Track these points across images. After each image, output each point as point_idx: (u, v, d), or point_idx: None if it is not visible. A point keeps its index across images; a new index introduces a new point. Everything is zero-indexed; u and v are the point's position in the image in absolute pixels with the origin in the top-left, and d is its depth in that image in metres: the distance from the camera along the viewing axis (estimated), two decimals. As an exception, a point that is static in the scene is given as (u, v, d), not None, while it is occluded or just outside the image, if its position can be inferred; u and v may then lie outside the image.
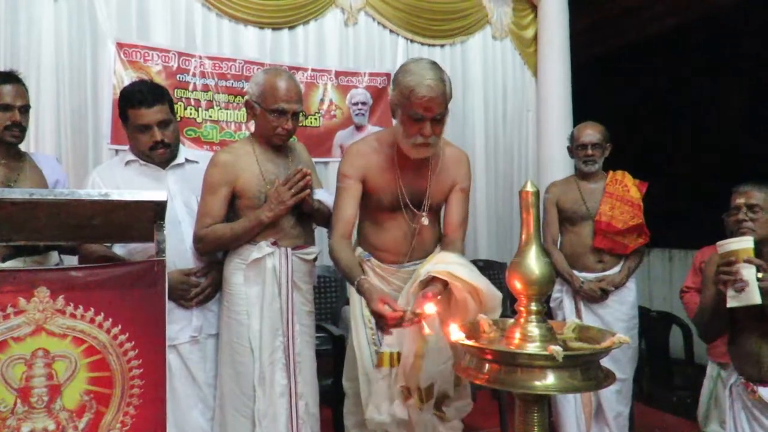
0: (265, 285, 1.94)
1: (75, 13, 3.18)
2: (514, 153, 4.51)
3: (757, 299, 1.72)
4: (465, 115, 4.28)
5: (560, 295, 2.71)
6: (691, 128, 4.72)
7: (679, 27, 4.73)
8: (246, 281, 1.95)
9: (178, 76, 3.39)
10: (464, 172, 1.99)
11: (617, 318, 2.62)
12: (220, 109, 3.53)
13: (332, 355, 2.84)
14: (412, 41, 4.11)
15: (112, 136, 3.20)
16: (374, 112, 3.96)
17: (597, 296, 2.65)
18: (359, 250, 2.02)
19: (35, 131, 3.01)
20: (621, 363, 2.56)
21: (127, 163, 2.06)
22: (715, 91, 4.49)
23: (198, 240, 1.98)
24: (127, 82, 3.04)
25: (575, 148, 2.76)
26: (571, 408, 2.61)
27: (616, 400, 2.61)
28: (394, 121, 4.10)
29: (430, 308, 1.57)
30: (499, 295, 1.65)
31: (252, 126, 3.26)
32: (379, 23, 4.00)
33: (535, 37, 4.46)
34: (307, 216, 2.07)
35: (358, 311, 1.94)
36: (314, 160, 3.58)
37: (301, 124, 2.09)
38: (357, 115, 3.90)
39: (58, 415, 1.25)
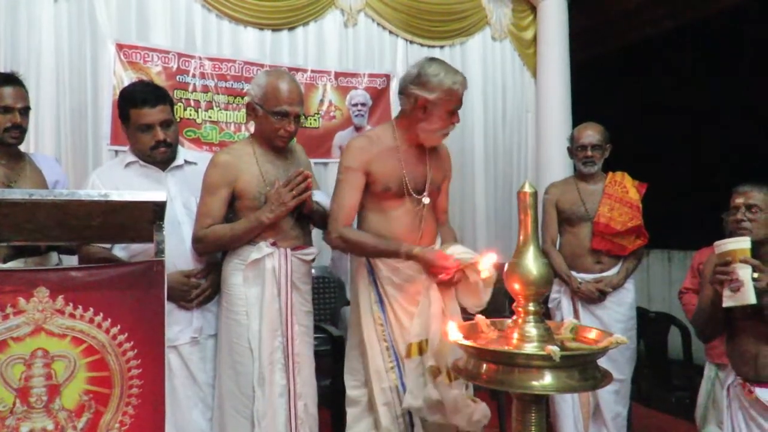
0: (265, 285, 1.94)
1: (75, 13, 3.18)
2: (514, 154, 4.52)
3: (752, 299, 1.73)
4: (464, 115, 4.27)
5: (558, 295, 2.71)
6: (690, 129, 4.73)
7: (678, 29, 4.74)
8: (245, 282, 1.95)
9: (177, 77, 3.40)
10: (450, 163, 2.25)
11: (615, 319, 2.62)
12: (220, 110, 3.54)
13: (331, 355, 2.84)
14: (411, 42, 4.11)
15: (112, 136, 3.21)
16: (374, 113, 3.97)
17: (595, 297, 2.65)
18: None
19: (35, 132, 3.01)
20: (619, 363, 2.56)
21: (127, 165, 2.06)
22: (714, 92, 4.50)
23: (197, 240, 1.98)
24: (126, 83, 3.04)
25: (575, 149, 2.76)
26: (569, 408, 2.61)
27: (614, 400, 2.61)
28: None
29: (490, 258, 1.83)
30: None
31: (251, 127, 3.28)
32: (378, 24, 4.01)
33: (535, 39, 4.46)
34: (305, 217, 2.08)
35: (367, 309, 1.98)
36: (314, 161, 3.61)
37: (300, 125, 2.10)
38: (356, 116, 3.91)
39: (57, 415, 1.25)
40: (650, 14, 4.86)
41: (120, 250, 2.03)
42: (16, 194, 1.27)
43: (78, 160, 3.18)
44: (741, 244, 1.78)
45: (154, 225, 1.38)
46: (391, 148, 2.02)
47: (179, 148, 2.16)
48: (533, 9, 4.45)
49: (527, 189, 1.28)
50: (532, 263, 1.24)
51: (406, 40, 4.09)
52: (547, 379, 1.13)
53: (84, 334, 1.28)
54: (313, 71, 3.78)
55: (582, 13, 4.57)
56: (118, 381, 1.31)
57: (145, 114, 1.96)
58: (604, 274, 2.69)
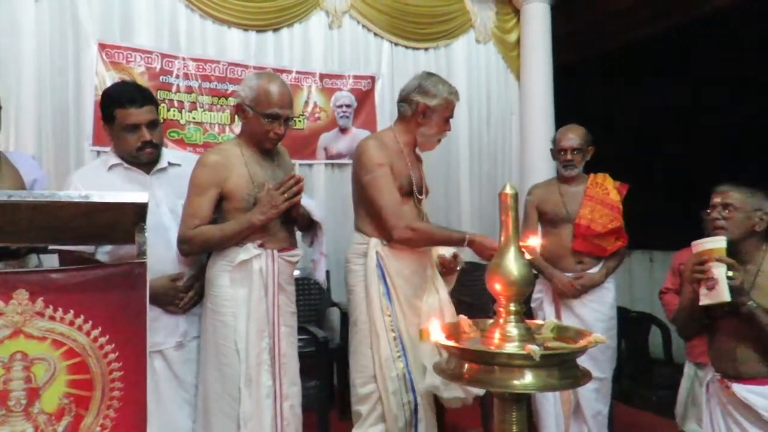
0: (252, 287, 1.94)
1: (57, 13, 3.15)
2: (498, 155, 4.56)
3: (726, 297, 1.76)
4: (449, 117, 4.31)
5: (541, 295, 2.73)
6: (672, 131, 4.80)
7: (661, 32, 4.81)
8: (232, 283, 1.95)
9: (161, 77, 3.38)
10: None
11: (596, 318, 2.65)
12: (204, 110, 3.52)
13: (315, 356, 2.84)
14: (396, 44, 4.13)
15: (95, 137, 3.18)
16: (359, 114, 3.98)
17: (569, 291, 2.66)
18: (374, 240, 2.17)
19: (15, 132, 2.98)
20: (600, 362, 2.58)
21: (111, 167, 2.02)
22: (696, 95, 4.57)
23: (184, 241, 1.96)
24: (109, 84, 3.02)
25: (556, 151, 2.78)
26: (551, 407, 2.63)
27: (594, 398, 2.64)
28: (378, 125, 4.14)
29: (534, 240, 1.96)
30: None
31: (236, 128, 3.27)
32: (363, 26, 4.02)
33: (518, 42, 4.51)
34: (291, 219, 2.08)
35: (376, 301, 2.12)
36: (299, 162, 3.63)
37: (289, 128, 2.10)
38: (341, 117, 3.91)
39: (37, 419, 1.24)
40: (632, 18, 4.92)
41: (103, 255, 2.01)
42: (-5, 195, 1.25)
43: (60, 160, 3.15)
44: (717, 243, 1.82)
45: (136, 227, 1.37)
46: (398, 150, 2.24)
47: (162, 149, 2.15)
48: (517, 12, 4.50)
49: (508, 190, 1.30)
50: (513, 264, 1.25)
51: (391, 42, 4.11)
52: (528, 378, 1.15)
53: (64, 336, 1.26)
54: (298, 72, 3.78)
55: (565, 16, 4.63)
56: (99, 384, 1.29)
57: (132, 114, 1.94)
58: (586, 273, 2.71)
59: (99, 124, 3.10)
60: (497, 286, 1.27)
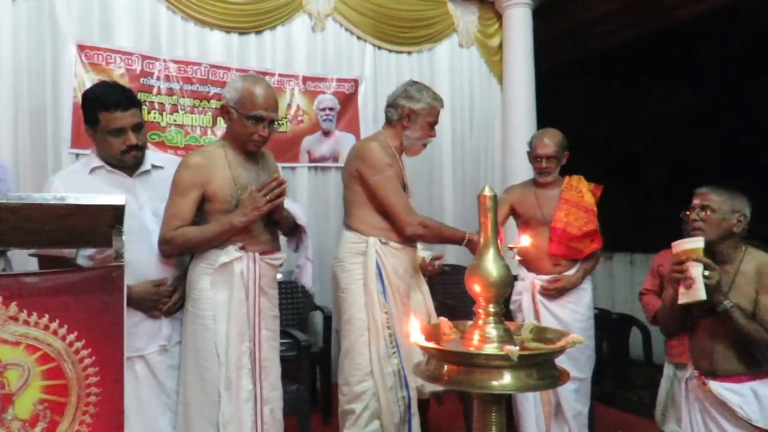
0: (233, 290, 1.93)
1: (34, 13, 3.11)
2: (481, 159, 4.58)
3: (702, 296, 1.80)
4: (432, 121, 4.33)
5: (519, 297, 2.75)
6: (652, 135, 4.88)
7: (639, 38, 4.89)
8: (213, 286, 1.93)
9: (141, 79, 3.34)
10: None
11: (575, 319, 2.67)
12: (186, 113, 3.49)
13: (298, 361, 2.83)
14: (379, 48, 4.14)
15: (73, 140, 3.14)
16: (342, 117, 3.98)
17: (551, 291, 2.68)
18: (372, 239, 2.25)
19: (-9, 135, 2.93)
20: (579, 362, 2.61)
21: (92, 170, 1.98)
22: (675, 99, 4.64)
23: (165, 242, 1.94)
24: (88, 85, 2.97)
25: (531, 157, 2.79)
26: (531, 407, 2.65)
27: (574, 399, 2.66)
28: (361, 128, 4.14)
29: (525, 240, 2.11)
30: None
31: (218, 131, 3.25)
32: (346, 29, 4.02)
33: (501, 46, 4.54)
34: (274, 222, 2.07)
35: (374, 298, 2.20)
36: (282, 165, 3.60)
37: (273, 131, 2.10)
38: (324, 120, 3.91)
39: (10, 425, 1.21)
40: (612, 24, 4.99)
41: (84, 259, 1.98)
42: (-33, 198, 1.23)
43: (37, 164, 3.10)
44: (695, 243, 1.86)
45: (113, 229, 1.35)
46: (394, 154, 2.36)
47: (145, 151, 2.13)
48: (499, 17, 4.54)
49: (487, 192, 1.31)
50: (492, 265, 1.26)
51: (374, 45, 4.12)
52: (507, 378, 1.15)
53: (39, 341, 1.24)
54: (280, 75, 3.77)
55: (546, 21, 4.68)
56: (74, 389, 1.27)
57: (118, 118, 1.90)
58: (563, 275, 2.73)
59: (78, 126, 3.08)
60: (476, 287, 1.28)
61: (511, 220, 2.91)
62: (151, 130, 3.36)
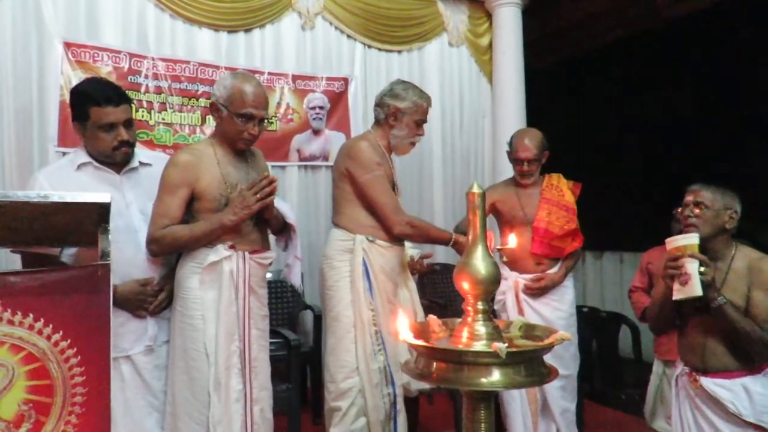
0: (222, 289, 1.91)
1: (19, 11, 3.07)
2: (471, 158, 4.59)
3: (698, 292, 1.81)
4: (422, 120, 4.33)
5: (503, 296, 2.75)
6: (640, 135, 4.90)
7: (628, 38, 4.91)
8: (201, 285, 1.92)
9: (129, 77, 3.32)
10: None
11: (558, 316, 2.67)
12: (174, 111, 3.47)
13: (287, 360, 2.82)
14: (369, 47, 4.13)
15: (60, 138, 3.11)
16: (332, 116, 3.97)
17: (535, 288, 2.69)
18: (359, 237, 2.27)
19: (-24, 134, 2.90)
20: (564, 360, 2.62)
21: (79, 166, 1.95)
22: (663, 98, 4.67)
23: (153, 241, 1.91)
24: (75, 83, 2.94)
25: (512, 159, 2.79)
26: (518, 406, 2.65)
27: (561, 396, 2.67)
28: (351, 127, 4.13)
29: (512, 241, 2.27)
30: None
31: (207, 129, 3.23)
32: (336, 28, 4.01)
33: (491, 45, 4.55)
34: (263, 221, 2.06)
35: (361, 296, 2.22)
36: (271, 164, 3.60)
37: (263, 129, 2.09)
38: (314, 119, 3.90)
39: (-6, 426, 1.20)
40: (602, 24, 5.02)
41: (68, 257, 1.95)
42: (-53, 196, 1.21)
43: (23, 163, 3.07)
44: (690, 240, 1.87)
45: (99, 227, 1.34)
46: (383, 153, 2.37)
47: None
48: (489, 16, 4.55)
49: (475, 189, 1.31)
50: (480, 262, 1.26)
51: (364, 44, 4.11)
52: (496, 375, 1.15)
53: (23, 341, 1.23)
54: (270, 74, 3.75)
55: (536, 21, 4.70)
56: (60, 389, 1.26)
57: (109, 113, 1.88)
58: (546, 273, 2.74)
59: (65, 125, 3.05)
60: (465, 285, 1.28)
61: (491, 219, 2.92)
62: (140, 128, 3.33)
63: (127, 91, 3.18)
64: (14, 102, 3.05)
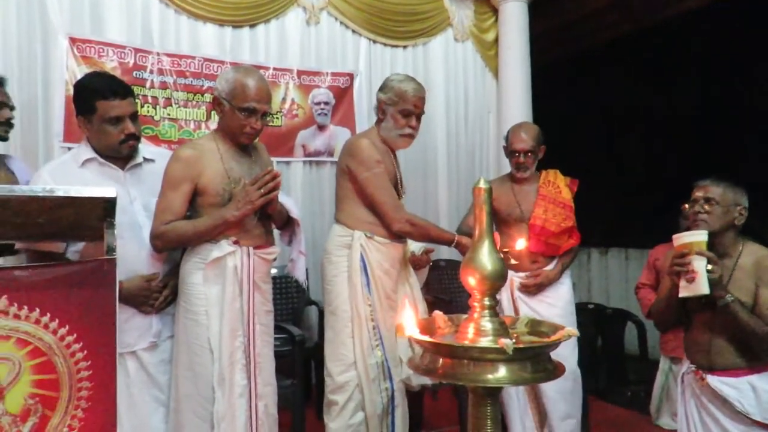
0: (226, 284, 1.91)
1: (24, 6, 3.07)
2: (476, 154, 4.58)
3: (705, 290, 1.79)
4: (427, 116, 4.25)
5: (498, 295, 2.71)
6: (645, 132, 4.89)
7: (634, 33, 4.89)
8: (205, 281, 1.91)
9: (134, 72, 3.31)
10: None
11: (554, 314, 2.61)
12: (179, 107, 3.47)
13: (292, 356, 2.82)
14: (374, 42, 4.12)
15: (65, 133, 3.11)
16: (336, 111, 3.96)
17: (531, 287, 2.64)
18: (357, 233, 2.26)
19: (-19, 129, 2.89)
20: (560, 357, 2.56)
21: (84, 163, 1.95)
22: (668, 95, 4.65)
23: (156, 237, 1.91)
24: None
25: (508, 152, 2.75)
26: (515, 404, 2.60)
27: (562, 401, 2.60)
28: (356, 122, 4.12)
29: (520, 244, 2.31)
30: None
31: (212, 124, 3.22)
32: (341, 23, 4.00)
33: (496, 40, 4.53)
34: (268, 216, 2.06)
35: (358, 291, 2.21)
36: (276, 159, 3.60)
37: (266, 123, 2.08)
38: (319, 114, 3.89)
39: (1, 420, 1.20)
40: (607, 19, 5.00)
41: (73, 254, 1.96)
42: (-47, 191, 1.21)
43: (28, 158, 3.06)
44: (698, 237, 1.85)
45: (104, 222, 1.34)
46: (385, 150, 2.34)
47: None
48: (495, 11, 4.52)
49: (482, 185, 1.30)
50: (487, 258, 1.25)
51: (369, 39, 4.09)
52: (502, 372, 1.15)
53: (29, 335, 1.23)
54: (275, 69, 3.74)
55: (542, 16, 4.67)
56: (66, 384, 1.26)
57: (116, 106, 1.88)
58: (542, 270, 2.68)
59: (70, 120, 3.04)
60: (471, 280, 1.27)
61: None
62: (145, 123, 3.33)
63: (132, 87, 3.23)
64: (19, 97, 3.04)
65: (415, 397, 2.48)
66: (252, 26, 3.70)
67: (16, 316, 1.22)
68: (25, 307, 1.22)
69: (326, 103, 3.90)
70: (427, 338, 1.21)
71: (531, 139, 2.66)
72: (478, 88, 4.56)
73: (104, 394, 1.30)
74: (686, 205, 2.08)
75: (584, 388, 2.75)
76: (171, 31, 3.47)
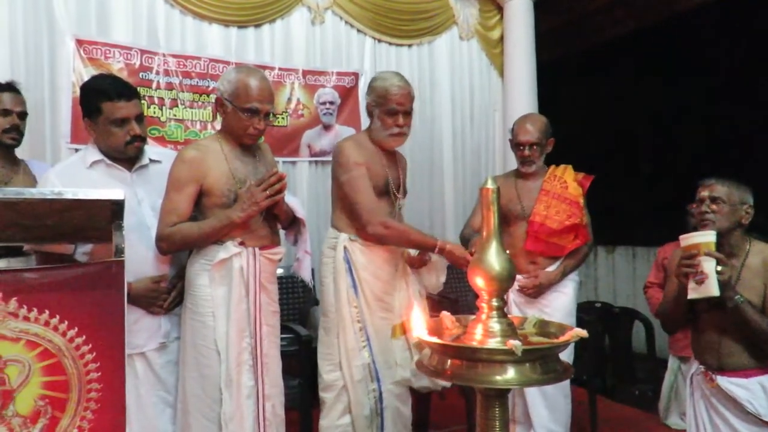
0: (232, 286, 1.91)
1: (31, 8, 3.09)
2: (481, 152, 4.57)
3: (715, 291, 1.77)
4: (433, 114, 4.31)
5: None
6: (653, 130, 4.86)
7: (639, 30, 4.86)
8: (211, 282, 1.91)
9: (140, 74, 3.32)
10: (405, 165, 2.47)
11: (553, 318, 2.44)
12: (185, 107, 3.47)
13: (298, 356, 2.82)
14: (379, 41, 4.11)
15: (72, 135, 3.12)
16: (342, 111, 3.95)
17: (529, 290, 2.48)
18: (343, 236, 2.21)
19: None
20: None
21: (91, 165, 1.95)
22: (676, 92, 4.62)
23: (162, 238, 1.91)
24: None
25: (513, 145, 2.59)
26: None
27: (547, 417, 2.47)
28: (362, 122, 4.13)
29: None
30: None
31: (218, 125, 3.23)
32: (346, 22, 4.00)
33: (501, 38, 4.51)
34: (273, 217, 2.06)
35: (343, 293, 2.17)
36: (282, 159, 3.60)
37: (270, 124, 2.07)
38: (325, 114, 3.89)
39: (11, 422, 1.21)
40: (612, 16, 4.97)
41: (82, 255, 1.96)
42: (-38, 194, 1.22)
43: (36, 159, 3.08)
44: (706, 237, 1.82)
45: (112, 224, 1.34)
46: (374, 151, 2.27)
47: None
48: (500, 9, 4.50)
49: (489, 185, 1.29)
50: (495, 259, 1.25)
51: (374, 38, 4.09)
52: (510, 373, 1.14)
53: (39, 337, 1.23)
54: (280, 69, 3.75)
55: (547, 14, 4.65)
56: (75, 385, 1.26)
57: (122, 107, 1.89)
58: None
59: (77, 121, 3.06)
60: (479, 281, 1.27)
61: None
62: (151, 124, 3.34)
63: (138, 88, 3.23)
64: (26, 99, 3.06)
65: (423, 397, 2.46)
66: (257, 26, 3.71)
67: (26, 318, 1.22)
68: (35, 309, 1.23)
69: (331, 103, 3.90)
70: (435, 339, 1.21)
71: (537, 131, 2.50)
72: (483, 87, 4.55)
73: (113, 396, 1.31)
74: (693, 205, 2.06)
75: (590, 389, 2.72)
76: (176, 31, 3.48)
